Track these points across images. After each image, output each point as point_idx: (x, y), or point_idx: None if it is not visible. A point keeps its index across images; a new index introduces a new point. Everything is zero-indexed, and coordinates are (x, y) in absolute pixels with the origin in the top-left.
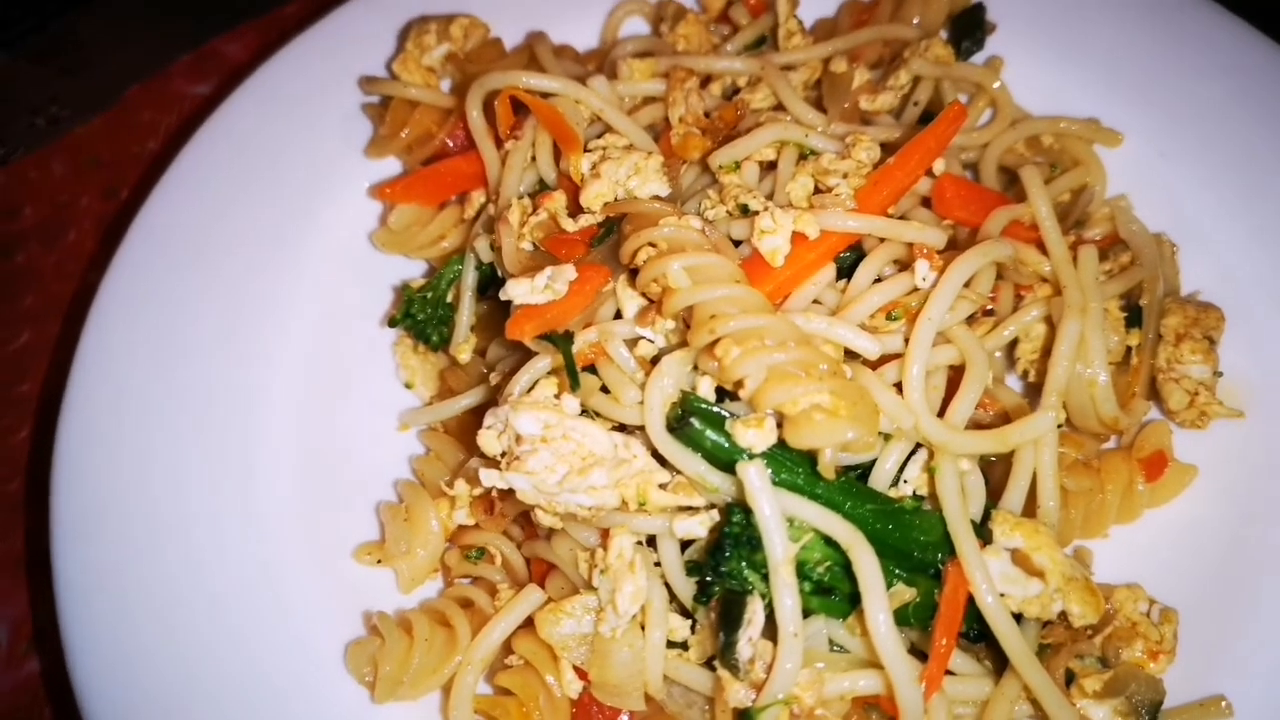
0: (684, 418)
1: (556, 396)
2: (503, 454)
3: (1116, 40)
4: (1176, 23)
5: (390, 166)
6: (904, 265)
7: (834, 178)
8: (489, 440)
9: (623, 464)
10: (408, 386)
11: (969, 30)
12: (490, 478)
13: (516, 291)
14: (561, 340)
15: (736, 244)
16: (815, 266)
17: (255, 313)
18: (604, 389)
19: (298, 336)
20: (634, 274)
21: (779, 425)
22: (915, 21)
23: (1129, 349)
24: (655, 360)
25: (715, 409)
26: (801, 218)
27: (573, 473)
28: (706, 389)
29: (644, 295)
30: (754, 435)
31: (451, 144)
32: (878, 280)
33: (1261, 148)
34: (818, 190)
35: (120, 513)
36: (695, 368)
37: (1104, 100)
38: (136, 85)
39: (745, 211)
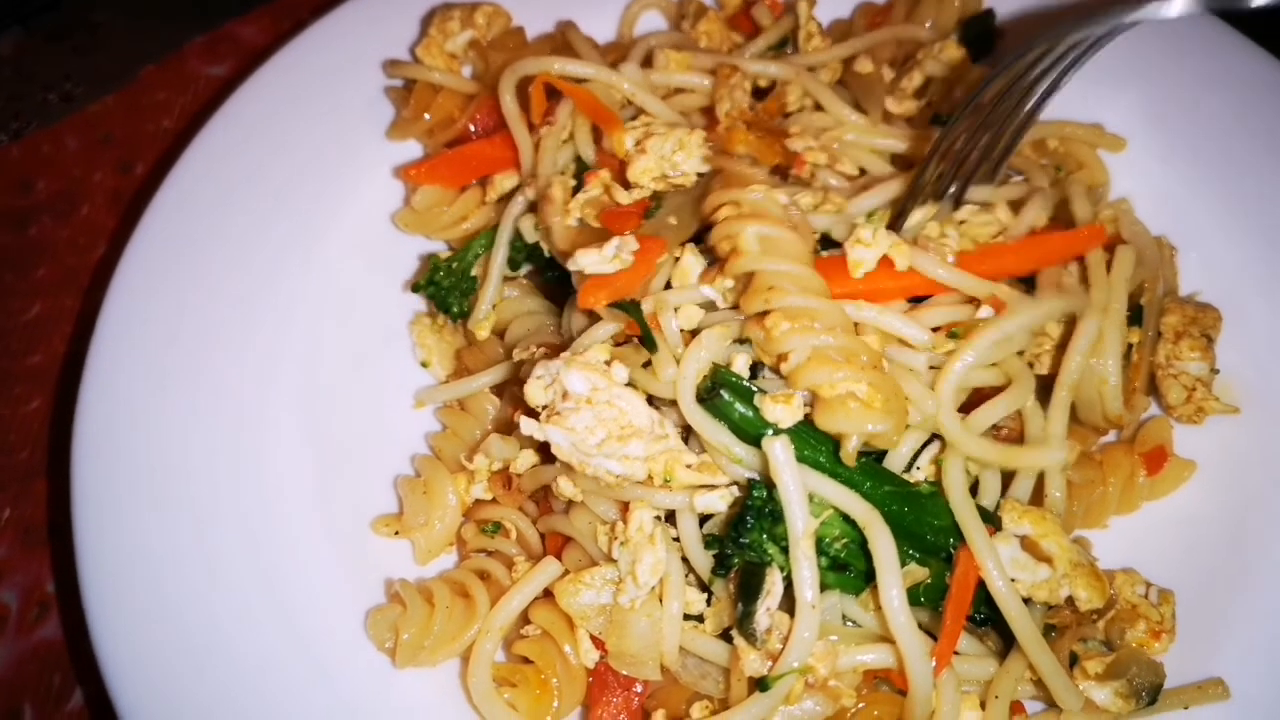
0: (714, 389)
1: (607, 363)
2: (544, 407)
3: (1120, 50)
4: (1178, 35)
5: (411, 149)
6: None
7: (948, 226)
8: (536, 390)
9: (659, 440)
10: (424, 365)
11: (979, 35)
12: (529, 426)
13: (586, 261)
14: (632, 307)
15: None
16: (888, 296)
17: (274, 290)
18: (644, 364)
19: (317, 314)
20: (695, 239)
21: (810, 406)
22: (928, 24)
23: (1130, 346)
24: (695, 333)
25: (745, 383)
26: (899, 246)
27: (611, 438)
28: (741, 366)
29: (712, 252)
30: (781, 411)
31: (474, 128)
32: None
33: (1257, 156)
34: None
35: (141, 482)
36: (736, 340)
37: (1107, 107)
38: (150, 65)
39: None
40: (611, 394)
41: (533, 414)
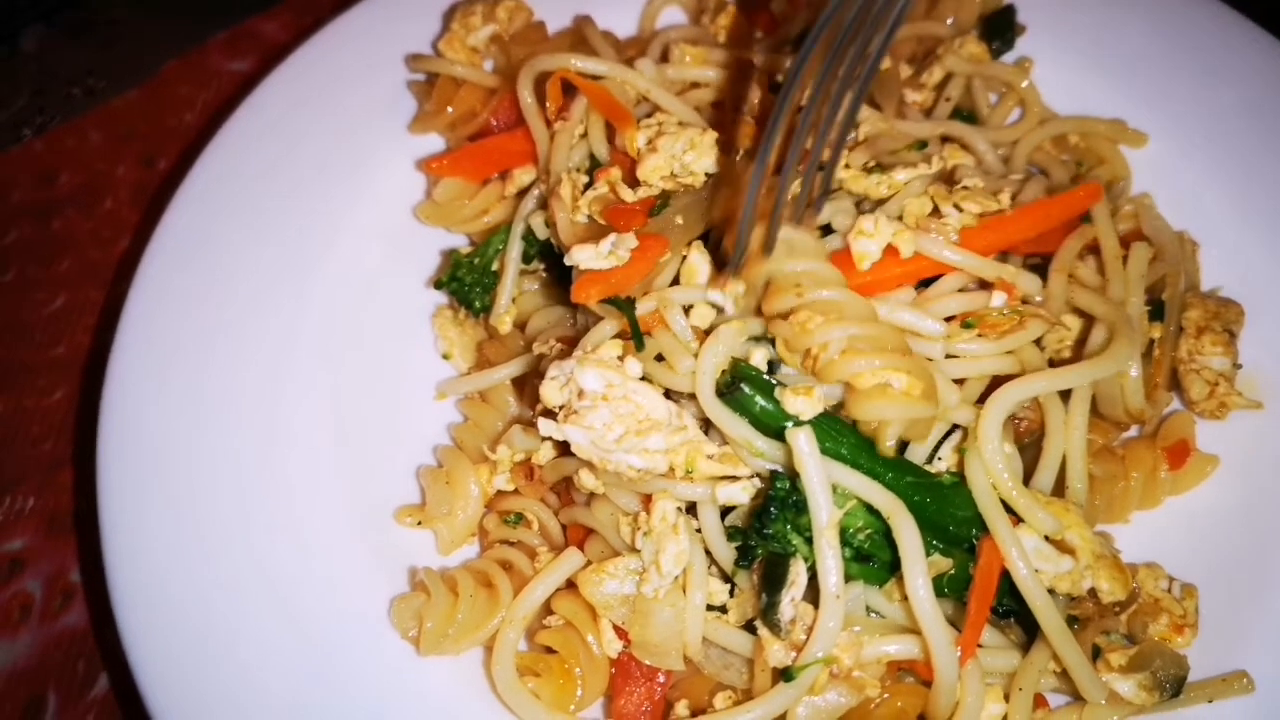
0: (734, 383)
1: (620, 359)
2: (560, 407)
3: (1141, 45)
4: (1199, 30)
5: (433, 143)
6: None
7: (946, 204)
8: (551, 391)
9: (678, 431)
10: (445, 358)
11: (1000, 31)
12: (548, 427)
13: (581, 257)
14: (625, 304)
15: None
16: (896, 283)
17: (297, 283)
18: (658, 357)
19: (338, 307)
20: (704, 238)
21: (845, 397)
22: (949, 21)
23: (1151, 341)
24: (709, 331)
25: (765, 376)
26: (901, 234)
27: (630, 433)
28: (759, 360)
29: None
30: (802, 403)
31: (495, 122)
32: None
33: (1277, 150)
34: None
35: (165, 473)
36: (754, 339)
37: (1128, 102)
38: (172, 60)
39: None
40: (627, 389)
41: (550, 414)
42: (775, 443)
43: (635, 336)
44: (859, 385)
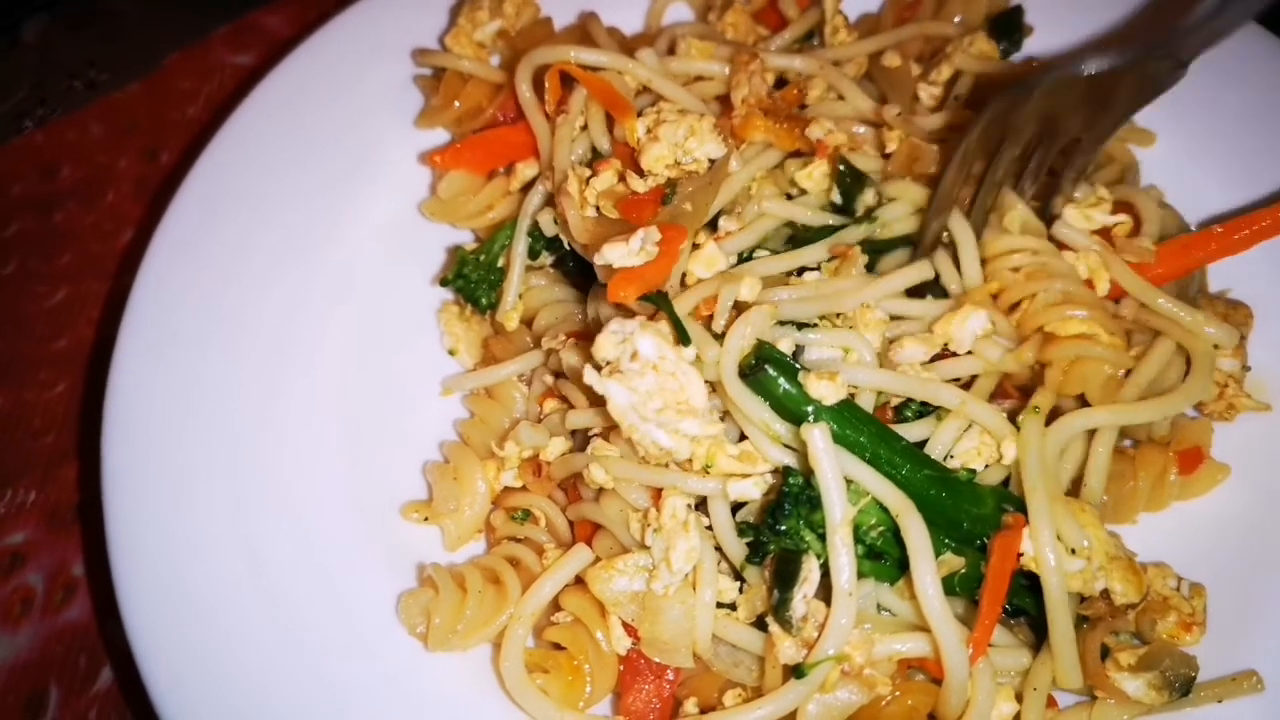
0: (758, 365)
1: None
2: (608, 363)
3: None
4: None
5: (438, 138)
6: None
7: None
8: (608, 344)
9: (711, 424)
10: (451, 353)
11: (1008, 31)
12: (591, 376)
13: (614, 255)
14: (661, 299)
15: None
16: None
17: (302, 278)
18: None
19: (344, 301)
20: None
21: (1043, 346)
22: (956, 20)
23: None
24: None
25: (789, 359)
26: (1098, 272)
27: (669, 408)
28: (786, 346)
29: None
30: (826, 387)
31: (501, 117)
32: None
33: None
34: None
35: (170, 467)
36: (782, 324)
37: None
38: (175, 53)
39: None
40: (678, 367)
41: (597, 366)
42: (793, 428)
43: (679, 329)
44: (1062, 331)
